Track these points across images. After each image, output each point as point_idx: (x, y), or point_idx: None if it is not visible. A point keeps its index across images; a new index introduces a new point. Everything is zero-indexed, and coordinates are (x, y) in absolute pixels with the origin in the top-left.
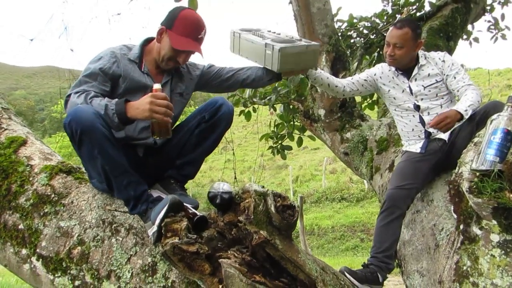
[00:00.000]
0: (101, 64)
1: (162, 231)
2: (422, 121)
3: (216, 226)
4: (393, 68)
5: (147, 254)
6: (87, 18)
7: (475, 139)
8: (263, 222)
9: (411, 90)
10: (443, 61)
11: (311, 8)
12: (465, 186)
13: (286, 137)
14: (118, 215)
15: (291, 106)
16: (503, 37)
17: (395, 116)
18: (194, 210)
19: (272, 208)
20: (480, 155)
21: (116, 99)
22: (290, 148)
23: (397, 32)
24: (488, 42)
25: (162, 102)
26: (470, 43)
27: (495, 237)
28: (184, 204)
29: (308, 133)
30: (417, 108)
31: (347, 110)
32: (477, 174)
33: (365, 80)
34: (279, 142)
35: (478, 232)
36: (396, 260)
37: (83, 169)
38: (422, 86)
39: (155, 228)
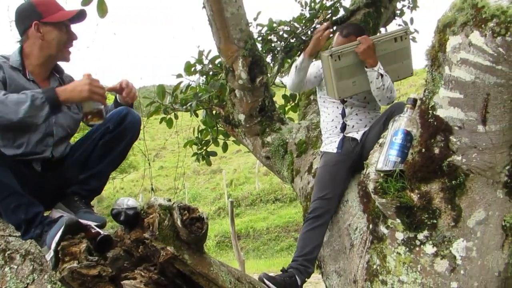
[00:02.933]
0: None
1: (59, 255)
2: (343, 114)
3: (122, 245)
4: None
5: (46, 281)
6: None
7: (380, 140)
8: (170, 237)
9: None
10: None
11: (225, 13)
12: (370, 187)
13: (211, 142)
14: (12, 240)
15: (214, 112)
16: (414, 39)
17: (321, 107)
18: (97, 229)
19: (179, 222)
20: (384, 155)
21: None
22: (215, 154)
23: (343, 41)
24: None
25: (99, 83)
26: None
27: (399, 235)
28: (87, 223)
29: (232, 138)
30: (343, 101)
31: (267, 114)
32: (382, 174)
33: (316, 73)
34: (204, 148)
35: (385, 231)
36: (317, 262)
37: None
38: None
39: (51, 252)
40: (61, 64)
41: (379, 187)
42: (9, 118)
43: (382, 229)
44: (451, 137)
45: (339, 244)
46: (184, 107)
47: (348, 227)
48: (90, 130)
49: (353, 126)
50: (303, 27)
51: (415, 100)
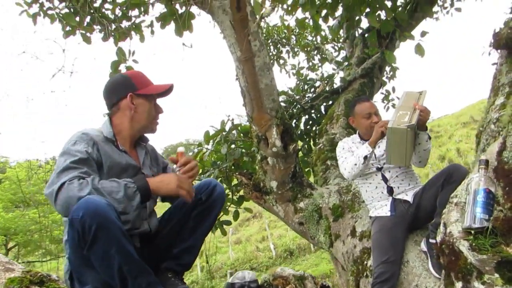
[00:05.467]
0: (84, 147)
1: None
2: (384, 179)
3: None
4: (357, 139)
5: None
6: None
7: (454, 200)
8: None
9: (375, 155)
10: None
11: (259, 85)
12: (464, 245)
13: (222, 213)
14: None
15: (230, 180)
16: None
17: (358, 180)
18: None
19: None
20: (470, 214)
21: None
22: (229, 223)
23: (370, 103)
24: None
25: (187, 180)
26: None
27: None
28: None
29: (244, 205)
30: (379, 169)
31: (297, 181)
32: (473, 232)
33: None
34: (219, 217)
35: (481, 286)
36: None
37: (54, 276)
38: (384, 150)
39: None
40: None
41: (473, 244)
42: None
43: (477, 285)
44: None
45: None
46: (202, 176)
47: None
48: (176, 203)
49: (398, 187)
50: (302, 96)
51: (487, 161)
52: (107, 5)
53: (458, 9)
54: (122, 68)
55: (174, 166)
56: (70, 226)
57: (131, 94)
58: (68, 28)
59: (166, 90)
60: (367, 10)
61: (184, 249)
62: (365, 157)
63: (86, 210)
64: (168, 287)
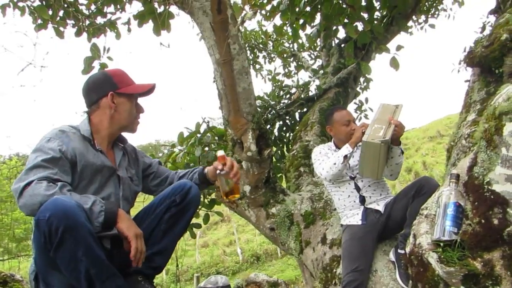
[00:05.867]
0: (58, 145)
1: None
2: (357, 188)
3: None
4: (332, 147)
5: None
6: None
7: (424, 212)
8: None
9: (349, 164)
10: None
11: (237, 88)
12: (433, 257)
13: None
14: None
15: None
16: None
17: (331, 188)
18: None
19: None
20: (438, 226)
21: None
22: (199, 226)
23: (347, 111)
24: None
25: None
26: None
27: None
28: None
29: (215, 209)
30: (352, 178)
31: (270, 186)
32: (442, 244)
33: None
34: None
35: None
36: None
37: (17, 277)
38: (358, 160)
39: None
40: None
41: (442, 256)
42: None
43: None
44: (508, 209)
45: None
46: None
47: None
48: (151, 203)
49: (370, 197)
50: (278, 101)
51: (458, 176)
52: (82, 0)
53: (432, 26)
54: (96, 64)
55: (218, 170)
56: (36, 227)
57: (112, 93)
58: (40, 21)
59: (148, 90)
60: (346, 20)
61: (156, 252)
62: (345, 156)
63: (54, 211)
64: None
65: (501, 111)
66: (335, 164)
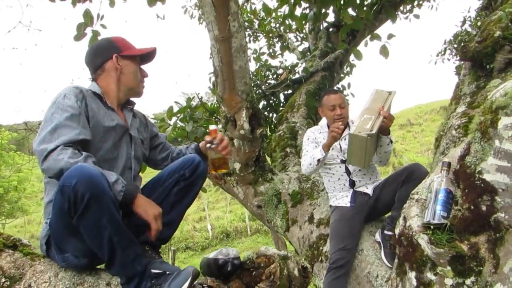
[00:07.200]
0: (75, 101)
1: None
2: (347, 171)
3: None
4: (324, 129)
5: None
6: None
7: (415, 196)
8: (286, 287)
9: (341, 147)
10: None
11: (233, 66)
12: (424, 238)
13: None
14: None
15: None
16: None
17: (322, 169)
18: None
19: (296, 272)
20: (430, 210)
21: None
22: None
23: (337, 96)
24: None
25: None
26: None
27: (449, 281)
28: None
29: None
30: (343, 161)
31: (260, 165)
32: (432, 227)
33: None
34: None
35: (433, 277)
36: None
37: (26, 241)
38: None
39: None
40: None
41: (432, 238)
42: None
43: (430, 276)
44: (496, 197)
45: None
46: None
47: (368, 275)
48: (159, 176)
49: (360, 181)
50: (263, 82)
51: (449, 164)
52: None
53: (417, 16)
54: (89, 31)
55: (208, 144)
56: (60, 192)
57: (116, 55)
58: None
59: (150, 52)
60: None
61: (164, 223)
62: (319, 160)
63: (80, 178)
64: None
65: (498, 105)
66: (310, 164)
